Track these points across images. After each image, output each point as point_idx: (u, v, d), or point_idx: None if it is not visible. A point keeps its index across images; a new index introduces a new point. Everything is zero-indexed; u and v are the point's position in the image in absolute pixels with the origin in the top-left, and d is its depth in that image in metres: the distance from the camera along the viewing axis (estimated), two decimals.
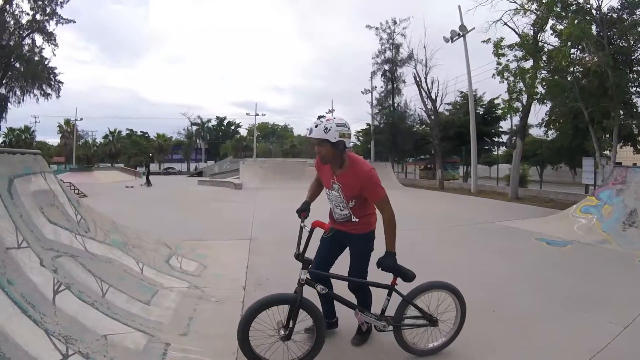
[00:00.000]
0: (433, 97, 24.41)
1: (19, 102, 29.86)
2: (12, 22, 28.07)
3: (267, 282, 4.51)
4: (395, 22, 30.20)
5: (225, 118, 74.41)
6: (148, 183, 24.50)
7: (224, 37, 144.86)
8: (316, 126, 2.63)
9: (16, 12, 28.07)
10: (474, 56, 21.36)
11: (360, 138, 48.45)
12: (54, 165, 46.09)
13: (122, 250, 4.18)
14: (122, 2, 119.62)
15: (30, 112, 54.47)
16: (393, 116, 31.78)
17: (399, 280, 2.76)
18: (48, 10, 28.83)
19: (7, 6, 27.58)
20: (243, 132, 75.86)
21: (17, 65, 28.92)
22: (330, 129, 2.60)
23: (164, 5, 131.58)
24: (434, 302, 2.92)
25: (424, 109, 25.68)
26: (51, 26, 29.30)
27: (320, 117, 2.70)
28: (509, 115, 17.30)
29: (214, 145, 69.06)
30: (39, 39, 29.35)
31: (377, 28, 30.97)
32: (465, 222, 9.71)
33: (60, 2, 29.09)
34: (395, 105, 32.41)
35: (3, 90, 29.01)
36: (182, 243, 5.78)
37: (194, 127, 67.30)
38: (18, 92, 29.55)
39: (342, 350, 3.04)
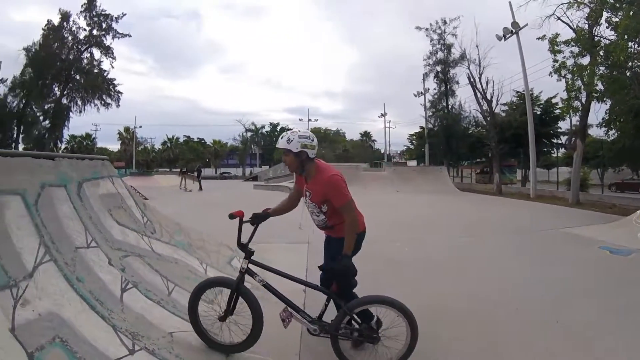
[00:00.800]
0: (488, 97, 23.13)
1: (81, 112, 33.07)
2: (70, 38, 31.14)
3: None
4: (445, 22, 29.53)
5: (278, 124, 75.37)
6: (200, 187, 24.84)
7: (275, 46, 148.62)
8: (282, 137, 2.82)
9: (73, 29, 31.10)
10: (528, 54, 19.96)
11: (413, 142, 47.13)
12: (115, 169, 49.02)
13: (187, 251, 4.22)
14: (173, 16, 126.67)
15: (92, 120, 58.15)
16: (447, 118, 30.63)
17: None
18: (104, 25, 31.59)
19: (64, 23, 30.44)
20: None
21: (77, 77, 31.89)
22: (292, 140, 2.76)
23: (215, 17, 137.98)
24: (386, 323, 2.81)
25: (479, 110, 24.45)
26: (108, 40, 32.26)
27: (286, 129, 2.83)
28: (568, 115, 15.85)
29: (268, 151, 69.99)
30: (97, 52, 32.46)
31: (427, 29, 30.40)
32: (525, 230, 9.07)
33: (115, 18, 31.91)
34: (449, 107, 31.34)
35: (65, 101, 31.97)
36: None
37: (249, 133, 69.29)
38: (79, 102, 32.70)
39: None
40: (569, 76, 13.84)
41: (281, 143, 2.80)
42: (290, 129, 2.96)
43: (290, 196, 3.27)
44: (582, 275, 5.25)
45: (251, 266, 2.85)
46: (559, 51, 14.03)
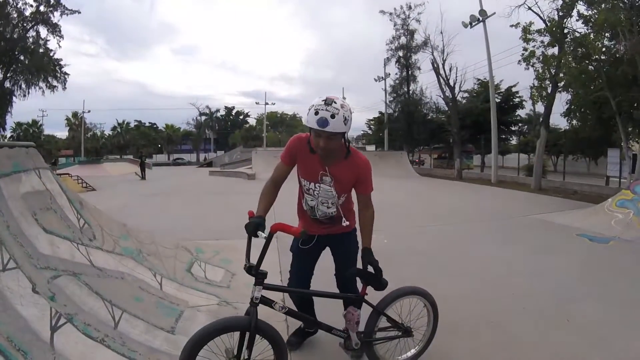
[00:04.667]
0: (451, 84, 23.50)
1: (25, 95, 29.30)
2: (15, 15, 27.24)
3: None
4: (410, 7, 29.11)
5: (233, 108, 73.05)
6: (143, 177, 23.28)
7: (231, 28, 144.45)
8: (332, 116, 2.03)
9: (19, 4, 27.25)
10: (492, 42, 20.42)
11: (372, 127, 47.41)
12: (62, 158, 45.54)
13: (136, 260, 3.45)
14: None
15: (38, 105, 54.37)
16: (408, 104, 30.70)
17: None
18: (52, 1, 27.97)
19: None
20: (252, 121, 75.30)
21: (22, 57, 28.23)
22: (349, 120, 2.12)
23: None
24: (405, 310, 2.60)
25: (441, 96, 24.78)
26: (55, 17, 28.63)
27: (326, 99, 2.07)
28: (538, 102, 16.41)
29: (223, 135, 68.17)
30: (43, 30, 28.73)
31: (391, 13, 29.94)
32: (497, 216, 9.12)
33: None
34: (411, 92, 31.32)
35: (8, 84, 28.34)
36: (202, 245, 5.05)
37: (203, 117, 66.60)
38: (23, 85, 28.99)
39: None
40: (538, 65, 14.31)
41: (336, 125, 2.04)
42: (329, 99, 2.09)
43: (269, 188, 2.49)
44: (570, 266, 5.16)
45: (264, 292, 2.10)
46: (532, 40, 14.36)
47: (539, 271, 4.88)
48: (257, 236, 2.10)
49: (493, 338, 3.11)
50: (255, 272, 2.03)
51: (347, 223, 2.53)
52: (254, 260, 2.10)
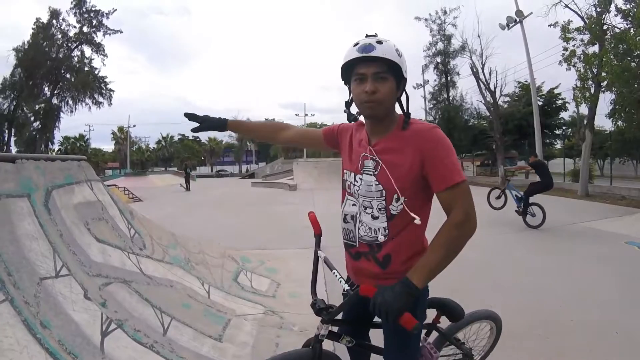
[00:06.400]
0: (492, 88, 22.72)
1: (72, 111, 31.89)
2: (59, 36, 29.86)
3: None
4: (445, 12, 28.66)
5: (274, 119, 75.09)
6: (188, 188, 23.89)
7: (268, 40, 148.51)
8: (379, 42, 1.36)
9: (63, 26, 29.86)
10: (530, 43, 19.56)
11: None
12: (109, 170, 48.20)
13: (185, 269, 3.50)
14: (164, 13, 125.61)
15: (85, 120, 58.27)
16: (449, 110, 29.93)
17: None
18: (94, 22, 30.40)
19: (54, 21, 29.38)
20: None
21: (68, 76, 30.68)
22: (402, 55, 1.40)
23: (205, 12, 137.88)
24: (472, 332, 2.32)
25: (482, 101, 23.99)
26: (99, 37, 31.02)
27: (370, 35, 1.44)
28: (582, 104, 15.45)
29: (264, 147, 69.54)
30: (87, 50, 31.24)
31: (426, 19, 29.53)
32: (545, 224, 8.51)
33: (106, 14, 30.75)
34: (450, 98, 30.64)
35: (55, 101, 30.90)
36: (248, 254, 5.07)
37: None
38: (70, 102, 31.50)
39: None
40: (579, 65, 13.59)
41: (386, 50, 1.35)
42: (374, 35, 1.44)
43: (280, 124, 1.93)
44: (621, 275, 4.75)
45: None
46: (571, 38, 13.74)
47: (586, 281, 4.55)
48: (320, 251, 1.73)
49: (540, 349, 2.93)
50: (327, 313, 1.51)
51: (396, 244, 1.48)
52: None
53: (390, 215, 1.43)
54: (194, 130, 1.87)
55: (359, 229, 1.51)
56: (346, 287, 1.52)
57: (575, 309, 3.67)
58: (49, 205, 2.53)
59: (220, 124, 1.83)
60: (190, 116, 1.85)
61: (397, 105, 1.49)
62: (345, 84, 1.51)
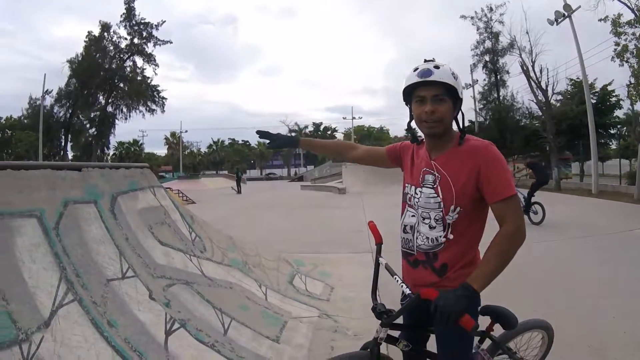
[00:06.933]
0: (543, 86, 21.22)
1: (126, 119, 34.18)
2: (111, 47, 32.18)
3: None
4: (491, 9, 27.46)
5: (321, 123, 74.57)
6: (239, 191, 24.65)
7: (311, 45, 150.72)
8: (436, 67, 1.49)
9: (114, 38, 32.16)
10: (581, 38, 18.22)
11: None
12: (162, 173, 50.72)
13: (243, 272, 3.57)
14: (210, 22, 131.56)
15: (138, 126, 61.00)
16: (500, 110, 28.59)
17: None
18: (144, 33, 32.41)
19: (105, 34, 31.69)
20: (339, 136, 76.40)
21: (121, 85, 32.89)
22: (458, 77, 1.55)
23: (250, 21, 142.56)
24: (524, 342, 2.24)
25: (534, 100, 22.51)
26: (149, 48, 33.03)
27: (428, 60, 1.59)
28: (638, 102, 14.17)
29: None
30: (139, 60, 33.34)
31: (472, 17, 28.49)
32: (600, 231, 7.84)
33: (155, 25, 32.60)
34: (501, 98, 29.27)
35: (110, 109, 33.24)
36: (302, 258, 5.10)
37: (293, 134, 69.83)
38: (124, 109, 33.75)
39: None
40: (633, 60, 12.63)
41: (443, 74, 1.48)
42: (432, 60, 1.60)
43: (349, 144, 2.05)
44: None
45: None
46: (623, 33, 12.78)
47: None
48: (382, 258, 1.78)
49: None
50: (387, 317, 1.57)
51: (456, 253, 1.56)
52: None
53: (446, 225, 1.53)
54: (268, 146, 1.97)
55: (417, 238, 1.61)
56: (408, 291, 1.57)
57: (629, 321, 3.36)
58: (115, 211, 2.68)
59: (292, 141, 1.99)
60: (263, 134, 1.94)
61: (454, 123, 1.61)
62: (406, 104, 1.65)
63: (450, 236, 1.53)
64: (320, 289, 4.13)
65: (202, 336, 2.41)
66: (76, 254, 2.16)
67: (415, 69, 1.52)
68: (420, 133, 1.66)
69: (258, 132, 1.95)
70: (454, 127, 1.63)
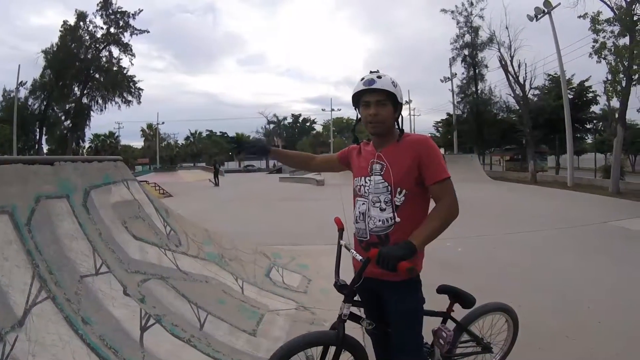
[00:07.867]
0: (521, 81, 21.88)
1: (102, 110, 33.20)
2: (87, 37, 31.00)
3: None
4: (471, 4, 27.89)
5: (300, 115, 74.85)
6: (217, 183, 24.52)
7: (293, 35, 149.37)
8: (379, 77, 1.80)
9: (90, 28, 30.97)
10: (560, 35, 18.80)
11: (440, 129, 45.63)
12: (138, 166, 49.47)
13: (219, 265, 3.56)
14: (189, 11, 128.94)
15: (114, 118, 59.62)
16: (477, 104, 29.13)
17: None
18: (121, 23, 31.37)
19: (81, 23, 30.46)
20: (318, 127, 76.28)
21: (97, 76, 31.83)
22: (397, 85, 1.83)
23: (230, 10, 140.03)
24: (486, 325, 2.41)
25: (511, 94, 23.21)
26: (126, 37, 32.02)
27: (373, 71, 1.88)
28: (613, 98, 14.74)
29: (291, 142, 69.68)
30: (115, 50, 32.29)
31: (452, 11, 28.92)
32: (575, 223, 8.18)
33: (132, 14, 31.60)
34: (479, 92, 29.73)
35: (85, 100, 32.16)
36: (279, 250, 5.12)
37: (271, 125, 69.27)
38: (100, 101, 32.76)
39: None
40: (610, 57, 13.10)
41: (384, 83, 1.76)
42: (377, 71, 1.87)
43: (309, 155, 2.40)
44: None
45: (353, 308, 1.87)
46: (601, 30, 13.26)
47: (616, 283, 4.34)
48: (342, 241, 2.01)
49: (569, 351, 2.86)
50: (348, 291, 1.79)
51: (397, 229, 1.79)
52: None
53: (395, 207, 1.77)
54: (239, 158, 2.08)
55: (368, 223, 1.83)
56: (359, 257, 1.80)
57: (604, 310, 3.53)
58: (88, 205, 2.63)
59: (264, 150, 2.29)
60: (238, 144, 2.11)
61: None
62: (355, 109, 1.94)
63: (398, 219, 1.77)
64: (297, 281, 4.16)
65: (178, 331, 2.41)
66: (49, 250, 2.12)
67: (362, 79, 1.83)
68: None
69: (232, 142, 2.05)
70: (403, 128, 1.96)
